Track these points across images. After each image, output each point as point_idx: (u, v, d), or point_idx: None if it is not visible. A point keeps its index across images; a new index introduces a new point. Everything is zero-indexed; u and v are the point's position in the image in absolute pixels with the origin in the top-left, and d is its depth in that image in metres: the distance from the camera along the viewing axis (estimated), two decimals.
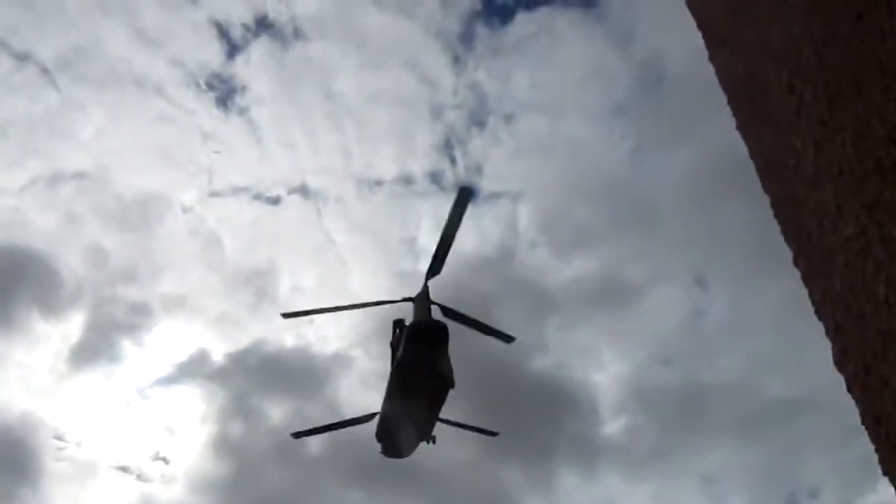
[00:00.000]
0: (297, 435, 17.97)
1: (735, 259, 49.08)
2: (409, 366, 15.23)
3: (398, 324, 16.00)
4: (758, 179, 1.53)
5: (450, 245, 15.18)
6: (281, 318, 17.92)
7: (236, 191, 52.26)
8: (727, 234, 46.54)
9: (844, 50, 1.30)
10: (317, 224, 52.82)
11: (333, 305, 17.47)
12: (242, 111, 51.51)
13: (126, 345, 54.34)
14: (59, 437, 49.38)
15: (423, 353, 15.00)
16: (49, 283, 46.36)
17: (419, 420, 16.20)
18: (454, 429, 17.95)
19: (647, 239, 52.91)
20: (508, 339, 16.86)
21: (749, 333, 53.87)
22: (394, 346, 15.99)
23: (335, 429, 17.94)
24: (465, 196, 14.78)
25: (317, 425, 18.22)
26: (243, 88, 50.81)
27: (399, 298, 16.23)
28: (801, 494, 51.40)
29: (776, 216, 1.49)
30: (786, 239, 1.45)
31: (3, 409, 48.76)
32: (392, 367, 15.67)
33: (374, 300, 17.23)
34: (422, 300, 15.69)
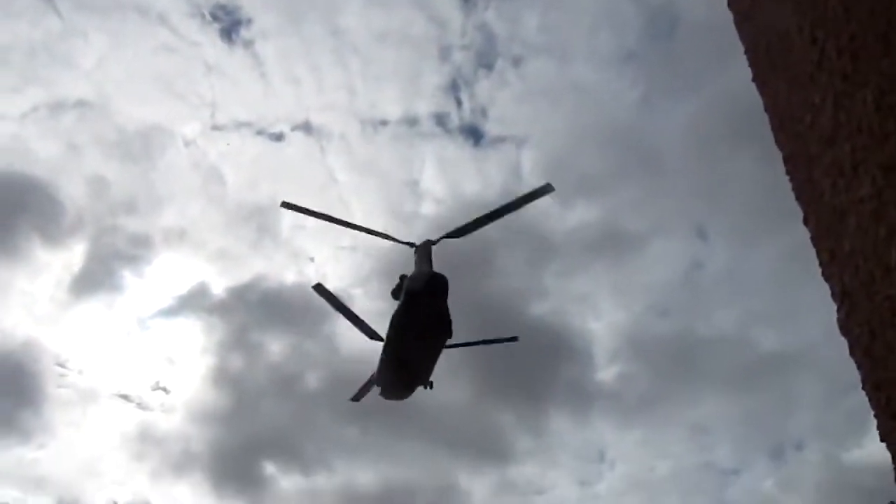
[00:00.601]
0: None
1: (738, 213, 49.02)
2: (408, 316, 15.51)
3: (403, 277, 16.14)
4: (770, 134, 1.48)
5: (489, 222, 15.41)
6: (281, 206, 17.43)
7: (239, 125, 51.85)
8: (732, 187, 46.35)
9: (873, 1, 1.24)
10: (319, 162, 52.49)
11: (338, 217, 17.19)
12: (247, 44, 50.65)
13: (127, 275, 54.66)
14: (61, 365, 50.21)
15: (422, 304, 15.32)
16: (51, 211, 46.43)
17: (417, 367, 16.63)
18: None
19: (651, 189, 52.63)
20: (548, 189, 16.26)
21: (747, 288, 54.18)
22: (395, 295, 16.18)
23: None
24: (543, 191, 15.05)
25: (335, 299, 18.12)
26: (248, 21, 49.74)
27: (403, 241, 16.20)
28: (787, 447, 52.46)
29: (788, 173, 1.45)
30: (797, 197, 1.41)
31: (7, 336, 49.48)
32: (393, 315, 15.87)
33: (380, 231, 16.82)
34: (424, 251, 15.73)
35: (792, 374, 48.12)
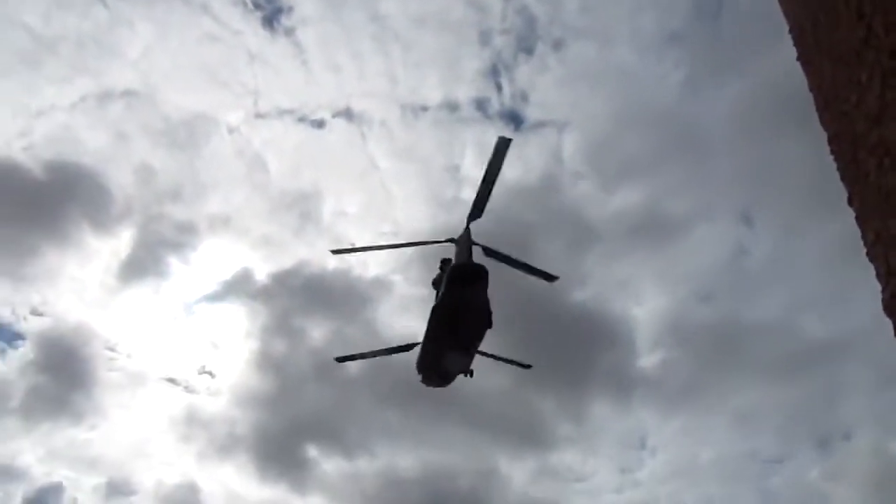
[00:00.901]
0: (341, 359, 18.68)
1: (784, 198, 47.73)
2: (449, 306, 15.69)
3: (445, 262, 16.23)
4: (816, 114, 1.45)
5: (490, 191, 15.38)
6: (329, 253, 18.29)
7: (281, 113, 52.34)
8: (778, 171, 45.16)
9: None
10: (361, 148, 52.73)
11: (379, 244, 17.72)
12: (288, 32, 50.99)
13: (173, 261, 55.83)
14: (111, 349, 51.58)
15: (462, 293, 15.46)
16: (100, 199, 47.55)
17: (457, 357, 16.79)
18: (489, 360, 18.23)
19: (695, 173, 51.54)
20: (551, 278, 16.92)
21: (792, 274, 52.78)
22: (436, 284, 16.32)
23: (377, 356, 18.41)
24: (503, 146, 14.90)
25: (358, 351, 18.79)
26: (290, 8, 49.98)
27: (443, 239, 16.32)
28: (834, 436, 51.34)
29: (833, 153, 1.43)
30: (842, 177, 1.39)
31: (59, 321, 50.99)
32: (433, 306, 16.01)
33: (419, 240, 17.40)
34: (464, 242, 15.82)
35: (839, 362, 46.99)
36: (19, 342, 52.76)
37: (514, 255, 16.59)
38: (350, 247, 17.97)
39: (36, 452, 47.48)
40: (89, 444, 49.91)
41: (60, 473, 48.73)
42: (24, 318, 50.27)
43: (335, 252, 17.86)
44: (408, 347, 17.83)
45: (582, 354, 39.40)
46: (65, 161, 46.71)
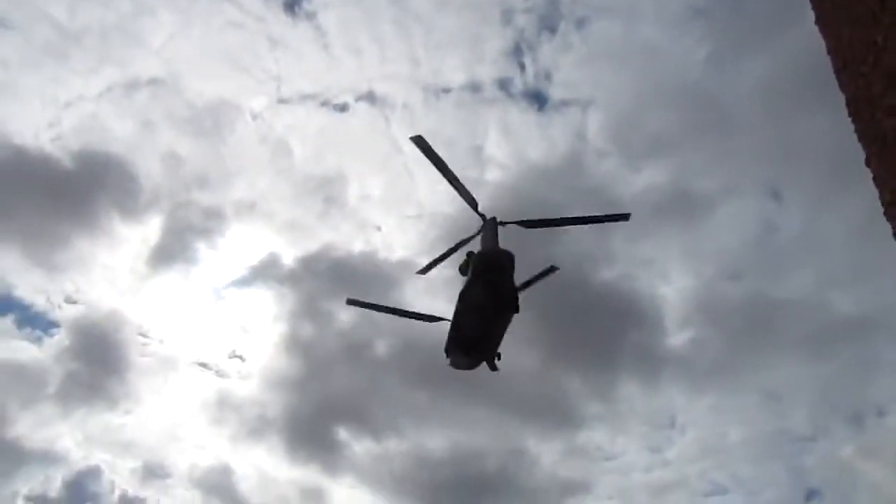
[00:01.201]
0: (352, 302, 18.29)
1: (813, 172, 46.88)
2: (475, 293, 15.74)
3: (470, 254, 16.31)
4: (833, 77, 1.47)
5: (560, 226, 15.85)
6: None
7: (304, 98, 52.48)
8: (807, 145, 44.34)
9: None
10: (384, 132, 52.76)
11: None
12: (310, 16, 51.02)
13: (201, 247, 56.63)
14: (143, 334, 52.44)
15: (489, 280, 15.49)
16: (128, 187, 48.18)
17: (485, 342, 16.92)
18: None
19: (721, 149, 50.64)
20: (623, 216, 16.50)
21: (823, 250, 51.83)
22: (462, 271, 16.41)
23: (396, 313, 18.25)
24: (620, 217, 15.84)
25: (379, 303, 18.65)
26: None
27: (476, 210, 16.23)
28: (867, 413, 50.69)
29: (851, 115, 1.44)
30: (859, 139, 1.41)
31: (93, 308, 51.94)
32: (461, 291, 16.11)
33: (446, 249, 17.17)
34: (491, 227, 15.79)
35: (872, 338, 46.23)
36: (54, 330, 53.99)
37: (539, 231, 16.43)
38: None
39: (74, 437, 48.71)
40: (124, 429, 51.02)
41: (98, 457, 49.94)
42: (59, 307, 51.42)
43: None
44: (428, 318, 17.88)
45: (610, 334, 39.24)
46: (93, 151, 47.43)
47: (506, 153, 50.56)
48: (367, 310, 18.55)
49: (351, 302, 18.29)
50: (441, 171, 15.78)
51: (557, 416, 47.04)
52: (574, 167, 46.35)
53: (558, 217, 15.93)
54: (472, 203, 16.30)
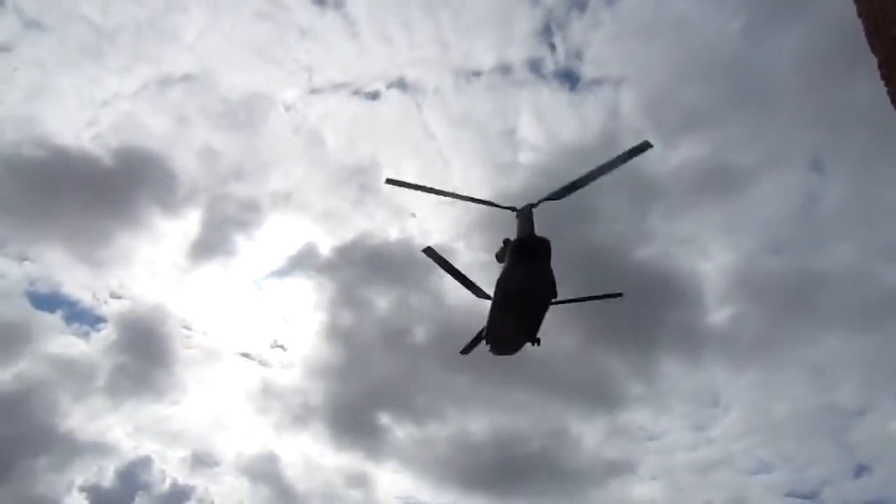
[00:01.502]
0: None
1: (856, 142, 45.70)
2: (512, 280, 15.88)
3: (507, 242, 16.34)
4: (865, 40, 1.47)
5: (589, 182, 15.26)
6: (385, 182, 16.85)
7: (335, 87, 52.74)
8: (848, 114, 43.23)
9: None
10: (416, 118, 52.84)
11: (440, 189, 16.97)
12: (338, 5, 51.29)
13: (240, 239, 57.76)
14: (186, 327, 53.69)
15: (526, 267, 15.62)
16: (166, 182, 49.19)
17: (523, 328, 17.07)
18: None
19: (760, 121, 49.64)
20: (646, 146, 15.76)
21: (868, 221, 50.62)
22: (499, 258, 16.46)
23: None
24: (642, 148, 14.97)
25: (445, 262, 18.25)
26: None
27: (505, 205, 16.16)
28: None
29: (883, 78, 1.44)
30: (892, 101, 1.41)
31: (137, 302, 53.17)
32: (498, 279, 16.18)
33: (481, 198, 16.67)
34: (526, 215, 15.73)
35: None
36: (101, 325, 55.54)
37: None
38: (407, 182, 16.99)
39: (124, 428, 50.21)
40: (172, 419, 52.41)
41: (148, 447, 51.44)
42: (105, 302, 52.89)
43: (390, 182, 17.01)
44: (480, 292, 17.85)
45: (649, 312, 38.93)
46: (131, 147, 48.48)
47: (539, 135, 50.34)
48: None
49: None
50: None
51: (599, 396, 47.00)
52: (608, 146, 45.87)
53: (583, 175, 15.51)
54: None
